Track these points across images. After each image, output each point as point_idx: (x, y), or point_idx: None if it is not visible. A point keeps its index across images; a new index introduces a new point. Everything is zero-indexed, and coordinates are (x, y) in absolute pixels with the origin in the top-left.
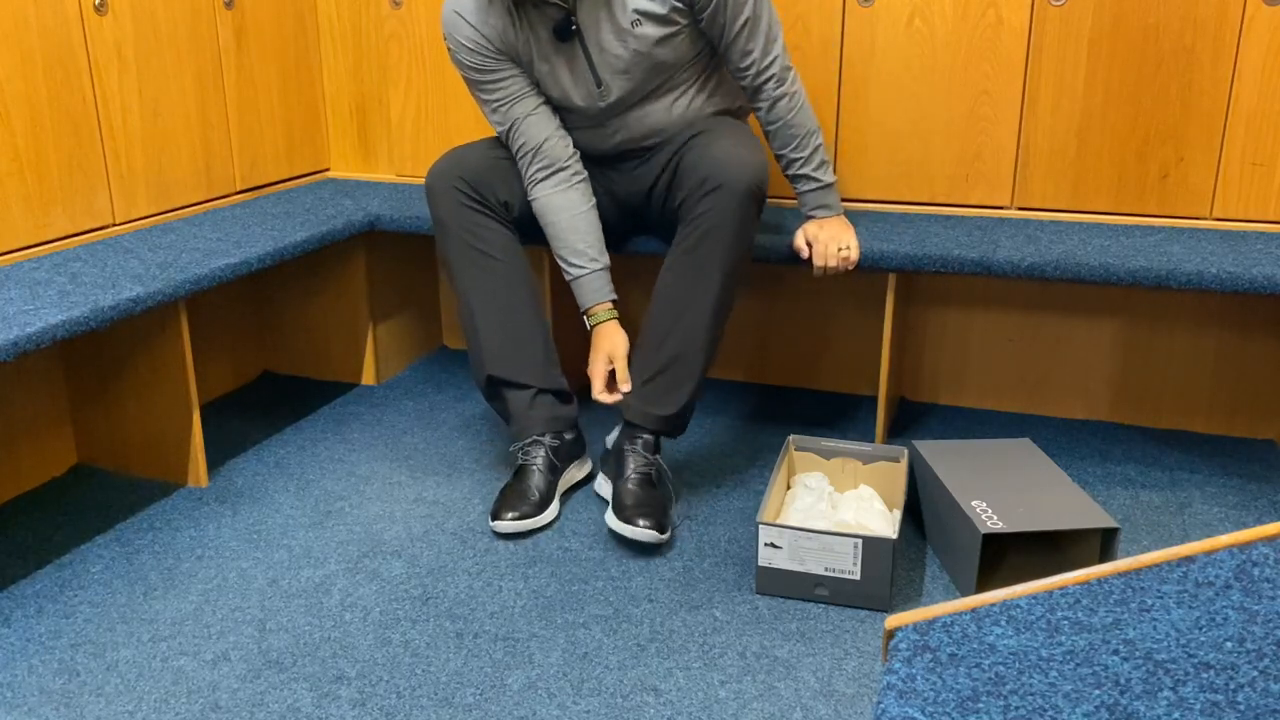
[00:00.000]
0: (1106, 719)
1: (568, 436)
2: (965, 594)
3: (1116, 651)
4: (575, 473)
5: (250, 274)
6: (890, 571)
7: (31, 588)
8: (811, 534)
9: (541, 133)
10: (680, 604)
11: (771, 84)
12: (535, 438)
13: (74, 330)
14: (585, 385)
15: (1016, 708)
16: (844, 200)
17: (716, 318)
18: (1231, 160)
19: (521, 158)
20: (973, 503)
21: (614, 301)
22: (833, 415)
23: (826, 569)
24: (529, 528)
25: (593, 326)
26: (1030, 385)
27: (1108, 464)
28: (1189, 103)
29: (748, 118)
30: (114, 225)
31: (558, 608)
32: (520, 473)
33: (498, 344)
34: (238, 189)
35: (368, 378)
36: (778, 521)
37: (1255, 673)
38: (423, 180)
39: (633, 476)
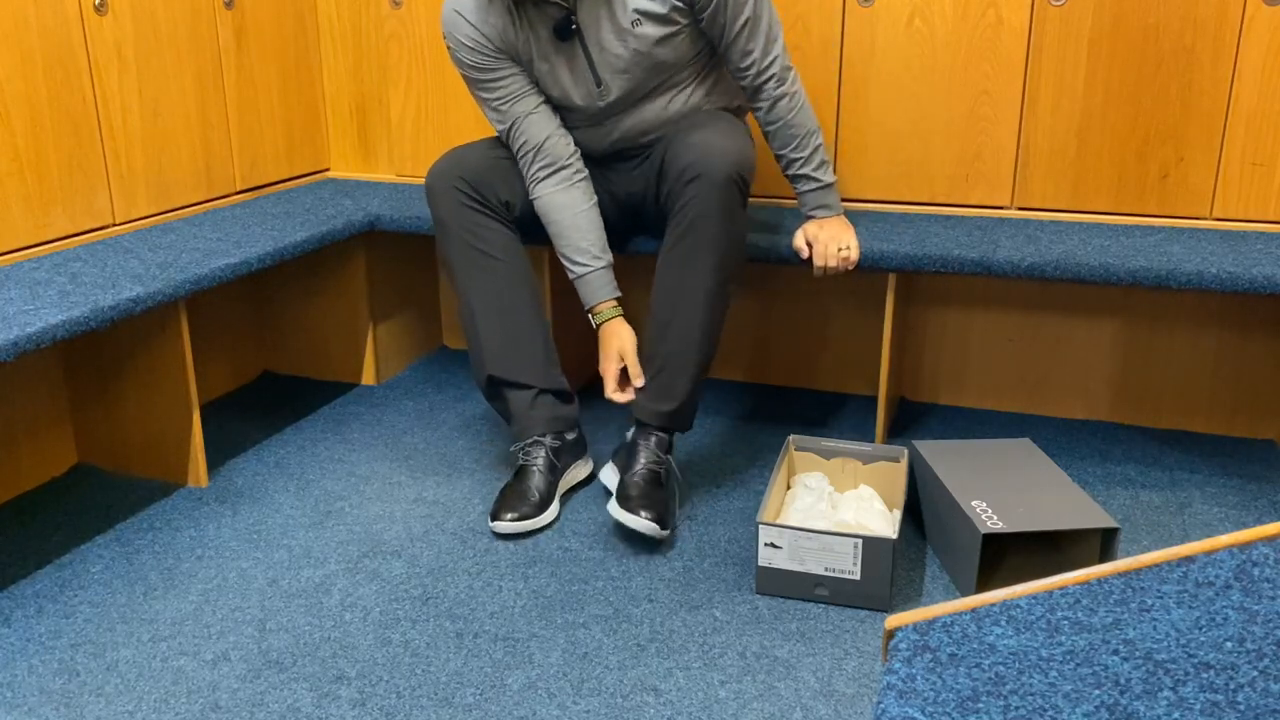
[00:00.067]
0: (1106, 719)
1: (569, 437)
2: (965, 594)
3: (1116, 651)
4: (576, 473)
5: (250, 274)
6: (890, 571)
7: (31, 588)
8: (811, 534)
9: (543, 131)
10: (680, 604)
11: (772, 84)
12: (536, 438)
13: (74, 330)
14: (586, 385)
15: (1016, 708)
16: (844, 200)
17: (711, 309)
18: (1231, 160)
19: (522, 157)
20: (973, 503)
21: (618, 299)
22: (833, 415)
23: (826, 569)
24: (528, 528)
25: (599, 325)
26: (1030, 385)
27: (1108, 464)
28: (1189, 103)
29: (746, 116)
30: (114, 225)
31: (558, 608)
32: (520, 473)
33: (498, 344)
34: (238, 189)
35: (368, 378)
36: (778, 521)
37: (1255, 673)
38: (423, 180)
39: (641, 471)
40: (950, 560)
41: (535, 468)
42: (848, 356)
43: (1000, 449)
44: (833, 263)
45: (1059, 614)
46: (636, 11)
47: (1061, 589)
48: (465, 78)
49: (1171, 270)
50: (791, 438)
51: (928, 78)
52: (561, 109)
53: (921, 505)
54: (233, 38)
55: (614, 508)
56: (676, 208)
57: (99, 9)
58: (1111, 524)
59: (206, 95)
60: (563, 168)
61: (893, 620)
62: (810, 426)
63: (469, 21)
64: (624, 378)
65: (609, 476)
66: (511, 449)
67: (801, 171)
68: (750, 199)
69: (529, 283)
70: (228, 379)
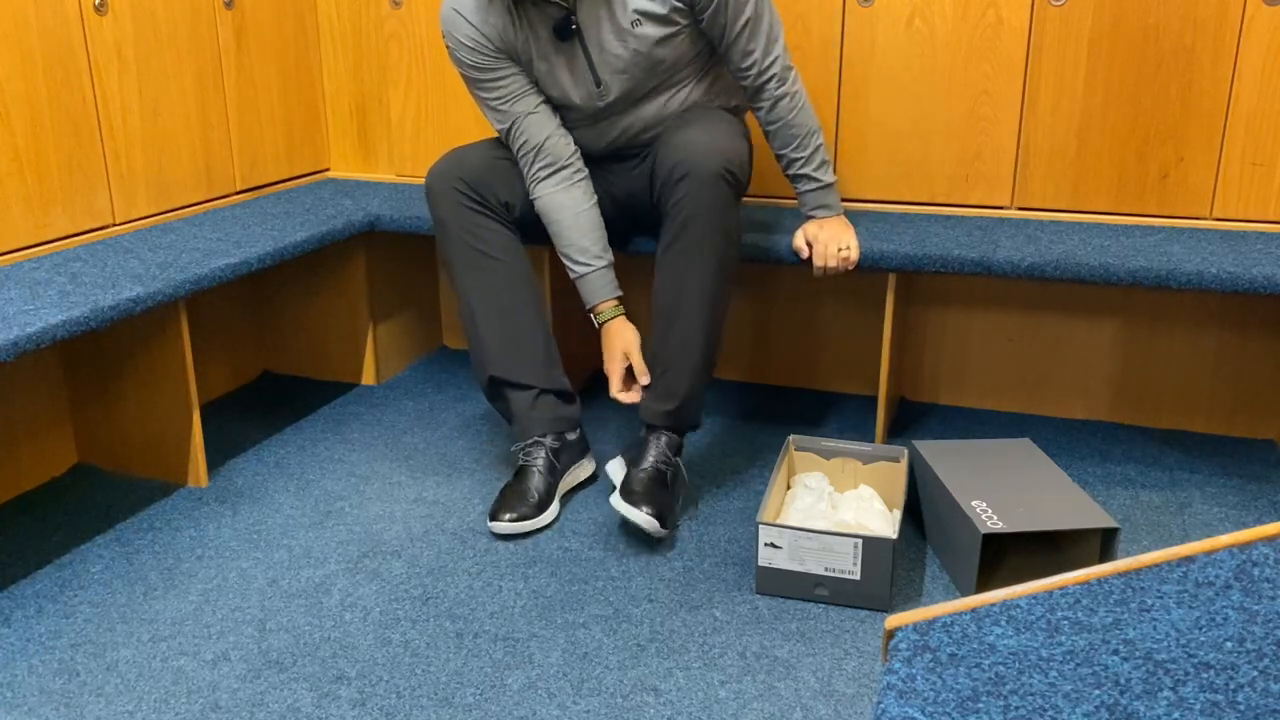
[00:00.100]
0: (1106, 719)
1: (570, 437)
2: (965, 594)
3: (1116, 651)
4: (578, 474)
5: (250, 274)
6: (890, 571)
7: (31, 588)
8: (811, 534)
9: (543, 131)
10: (680, 604)
11: (773, 84)
12: (536, 439)
13: (74, 330)
14: (586, 384)
15: (1016, 708)
16: (844, 200)
17: (710, 307)
18: (1231, 160)
19: (523, 157)
20: (973, 503)
21: (619, 298)
22: (833, 415)
23: (826, 569)
24: (526, 529)
25: (601, 325)
26: (1030, 385)
27: (1108, 464)
28: (1189, 103)
29: (744, 115)
30: (114, 225)
31: (558, 608)
32: (520, 474)
33: (499, 345)
34: (238, 189)
35: (368, 378)
36: (778, 521)
37: (1255, 673)
38: (423, 180)
39: (648, 468)
40: (950, 560)
41: (535, 468)
42: (848, 356)
43: (1000, 449)
44: (833, 263)
45: (1059, 614)
46: (636, 12)
47: (1061, 589)
48: (464, 77)
49: (1171, 270)
50: (791, 438)
51: (928, 78)
52: (560, 108)
53: (921, 505)
54: (233, 38)
55: (616, 500)
56: (669, 208)
57: (99, 9)
58: (1111, 524)
59: (206, 95)
60: (563, 167)
61: (893, 620)
62: (810, 426)
63: (468, 21)
64: (629, 377)
65: (616, 470)
66: (512, 449)
67: (802, 171)
68: (750, 199)
69: (529, 283)
70: (228, 379)
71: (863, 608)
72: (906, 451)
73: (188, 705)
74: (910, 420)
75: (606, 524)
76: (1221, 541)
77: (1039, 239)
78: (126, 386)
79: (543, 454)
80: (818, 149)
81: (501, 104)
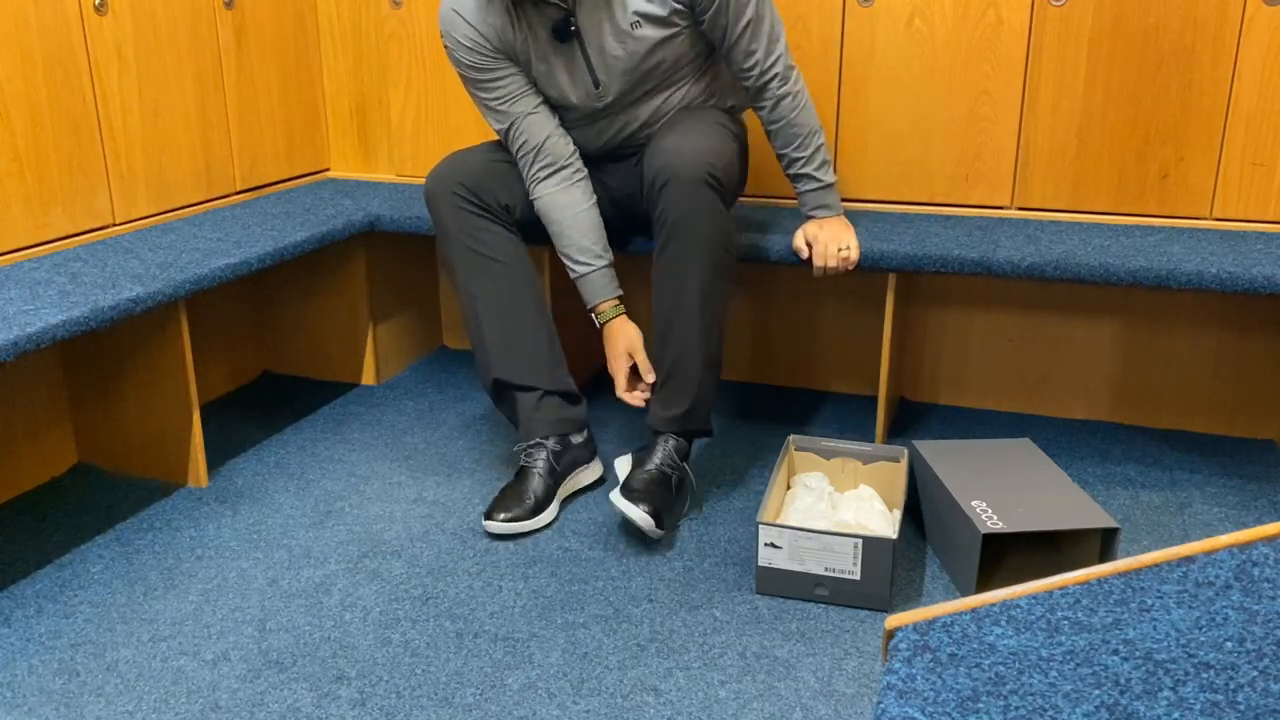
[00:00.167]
0: (1106, 719)
1: (575, 440)
2: (965, 594)
3: (1116, 651)
4: (580, 478)
5: (250, 274)
6: (890, 571)
7: (31, 588)
8: (811, 534)
9: (542, 131)
10: (680, 604)
11: (775, 83)
12: (538, 440)
13: (74, 330)
14: (585, 384)
15: (1016, 708)
16: (844, 200)
17: (706, 311)
18: (1231, 160)
19: (522, 157)
20: (973, 503)
21: (619, 297)
22: (833, 415)
23: (826, 569)
24: (518, 530)
25: (602, 324)
26: (1030, 385)
27: (1108, 464)
28: (1189, 103)
29: (742, 115)
30: (114, 225)
31: (558, 608)
32: (520, 474)
33: (502, 347)
34: (238, 189)
35: (368, 378)
36: (778, 521)
37: (1255, 673)
38: (423, 180)
39: (652, 469)
40: (950, 560)
41: (535, 470)
42: (848, 356)
43: (1000, 449)
44: (833, 263)
45: (1059, 614)
46: (636, 14)
47: (1061, 589)
48: (463, 78)
49: (1171, 270)
50: (791, 438)
51: (928, 78)
52: (558, 108)
53: (921, 505)
54: (233, 38)
55: (615, 495)
56: (656, 215)
57: (99, 9)
58: (1111, 524)
59: (206, 95)
60: (563, 167)
61: (893, 620)
62: (810, 426)
63: (467, 21)
64: (634, 376)
65: (623, 467)
66: (514, 449)
67: (803, 171)
68: (749, 199)
69: (531, 284)
70: (228, 379)
71: (863, 608)
72: (906, 451)
73: (188, 705)
74: (910, 420)
75: (606, 524)
76: (1221, 541)
77: (1039, 239)
78: (126, 386)
79: (544, 456)
80: (819, 149)
81: (500, 104)
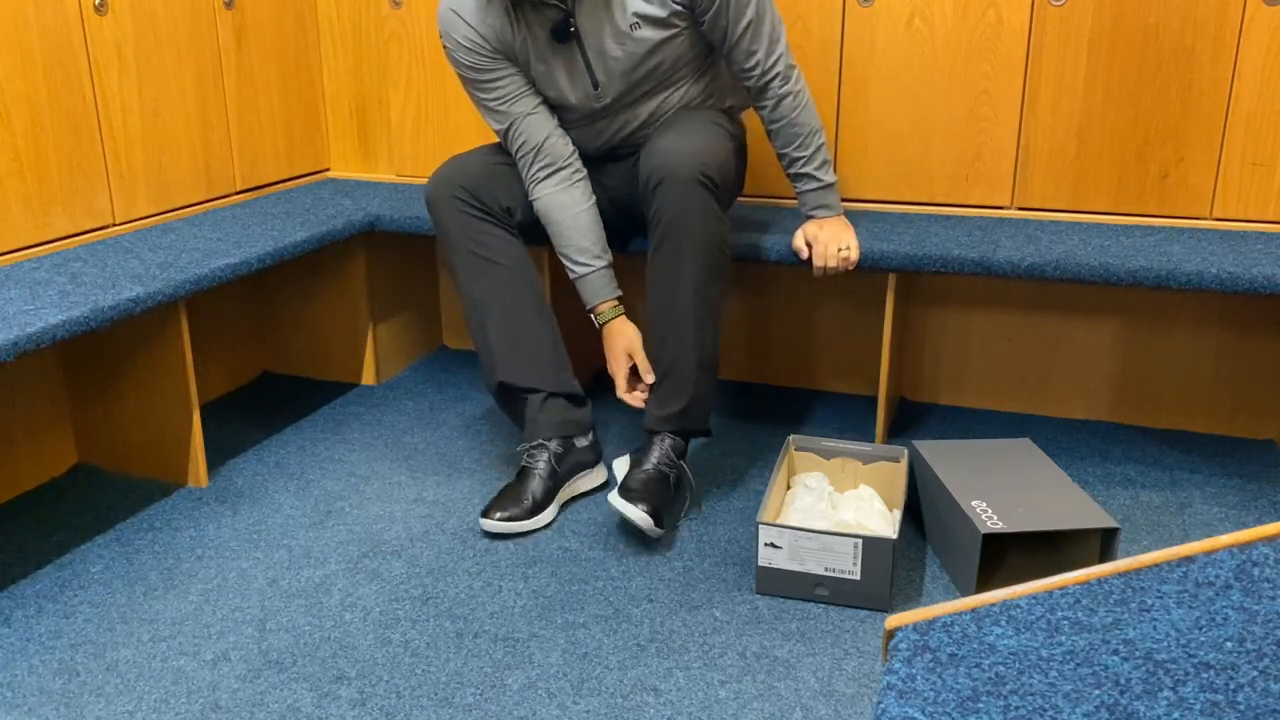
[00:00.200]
0: (1106, 719)
1: (579, 443)
2: (965, 594)
3: (1116, 651)
4: (582, 483)
5: (250, 274)
6: (890, 571)
7: (31, 588)
8: (811, 534)
9: (541, 131)
10: (680, 604)
11: (777, 83)
12: (541, 441)
13: (74, 330)
14: (588, 385)
15: (1016, 708)
16: (844, 200)
17: (701, 311)
18: (1231, 160)
19: (522, 158)
20: (973, 503)
21: (619, 298)
22: (833, 415)
23: (826, 569)
24: (514, 530)
25: (601, 325)
26: (1030, 385)
27: (1108, 464)
28: (1189, 103)
29: (741, 115)
30: (114, 225)
31: (558, 608)
32: (521, 475)
33: (506, 350)
34: (238, 189)
35: (368, 378)
36: (778, 521)
37: (1255, 673)
38: (423, 180)
39: (650, 469)
40: (950, 560)
41: (536, 472)
42: (848, 356)
43: (1000, 449)
44: (833, 263)
45: (1059, 614)
46: (636, 15)
47: (1061, 589)
48: (462, 78)
49: (1171, 270)
50: (791, 438)
51: (928, 78)
52: (557, 108)
53: (921, 505)
54: (233, 38)
55: (613, 496)
56: (651, 214)
57: (99, 9)
58: (1111, 524)
59: (206, 95)
60: (562, 167)
61: (893, 620)
62: (810, 426)
63: (466, 22)
64: (634, 377)
65: (621, 468)
66: (518, 449)
67: (803, 170)
68: (748, 199)
69: (534, 287)
70: (228, 379)
71: (863, 608)
72: (906, 451)
73: (188, 705)
74: (910, 420)
75: (606, 524)
76: (1221, 541)
77: (1039, 239)
78: (126, 386)
79: (545, 457)
80: (819, 148)
81: (499, 104)
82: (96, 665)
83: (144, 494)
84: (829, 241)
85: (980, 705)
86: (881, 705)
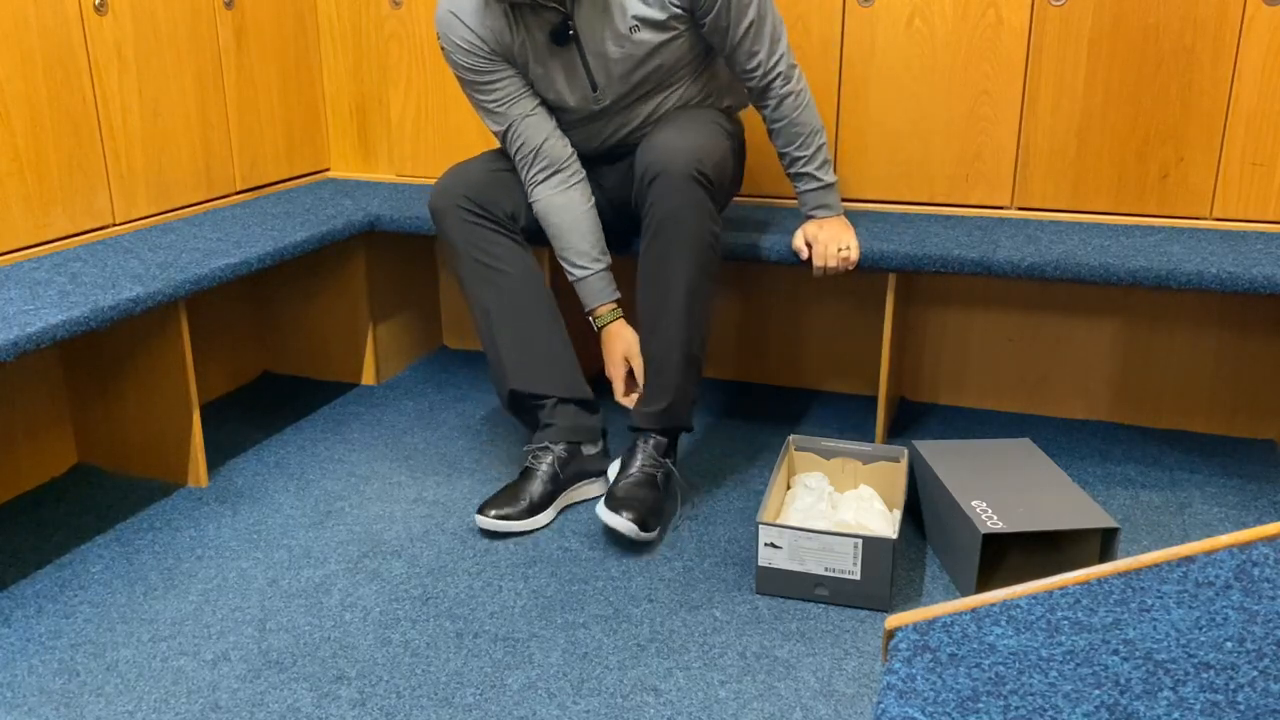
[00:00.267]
0: (1106, 719)
1: (586, 450)
2: (965, 594)
3: (1116, 651)
4: (584, 491)
5: (250, 274)
6: (890, 571)
7: (31, 588)
8: (811, 534)
9: (541, 133)
10: (680, 604)
11: (779, 83)
12: (548, 444)
13: (74, 330)
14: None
15: (1016, 708)
16: (844, 200)
17: (690, 308)
18: (1231, 160)
19: (521, 160)
20: (973, 503)
21: (618, 301)
22: (832, 415)
23: (826, 569)
24: (507, 529)
25: (600, 328)
26: (1030, 385)
27: (1108, 464)
28: (1189, 103)
29: (738, 114)
30: (114, 225)
31: (558, 608)
32: (523, 474)
33: (516, 357)
34: (238, 189)
35: (368, 378)
36: (778, 521)
37: (1255, 673)
38: (423, 180)
39: (634, 473)
40: (950, 560)
41: (538, 473)
42: (848, 356)
43: (1000, 449)
44: (833, 263)
45: (1059, 614)
46: (635, 18)
47: (1061, 589)
48: (460, 80)
49: (1171, 270)
50: (791, 438)
51: (928, 78)
52: (555, 109)
53: (921, 505)
54: (233, 38)
55: (600, 507)
56: (644, 210)
57: (99, 9)
58: (1111, 524)
59: (206, 95)
60: (561, 169)
61: (893, 620)
62: (810, 426)
63: (464, 24)
64: (631, 380)
65: (613, 473)
66: (524, 448)
67: (804, 170)
68: (747, 198)
69: (542, 292)
70: (228, 379)
71: (863, 608)
72: (906, 451)
73: (188, 705)
74: (910, 420)
75: None
76: (1221, 541)
77: (1039, 239)
78: (126, 386)
79: (549, 460)
80: (820, 148)
81: (498, 106)
82: (96, 665)
83: (144, 494)
84: (829, 241)
85: (980, 705)
86: (881, 705)
